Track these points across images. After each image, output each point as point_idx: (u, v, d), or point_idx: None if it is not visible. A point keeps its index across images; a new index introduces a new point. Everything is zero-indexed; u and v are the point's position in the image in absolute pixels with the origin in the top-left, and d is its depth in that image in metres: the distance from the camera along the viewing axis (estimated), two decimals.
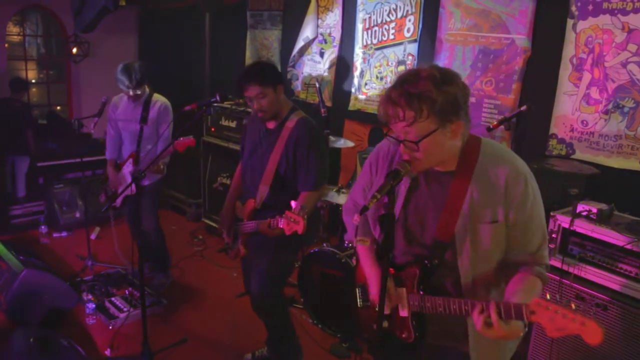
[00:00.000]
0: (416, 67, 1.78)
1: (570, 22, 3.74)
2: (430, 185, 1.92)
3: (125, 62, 4.24)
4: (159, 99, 4.38)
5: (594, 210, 3.04)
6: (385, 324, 2.01)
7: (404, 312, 1.97)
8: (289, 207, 2.77)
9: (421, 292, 1.93)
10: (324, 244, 4.04)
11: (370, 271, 2.12)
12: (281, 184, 3.14)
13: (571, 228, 3.05)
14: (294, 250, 3.41)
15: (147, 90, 4.39)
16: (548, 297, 1.59)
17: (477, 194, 1.83)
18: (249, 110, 5.40)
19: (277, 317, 3.43)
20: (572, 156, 3.79)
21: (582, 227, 3.03)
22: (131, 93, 4.21)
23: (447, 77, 1.72)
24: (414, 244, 1.98)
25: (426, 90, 1.68)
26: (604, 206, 3.07)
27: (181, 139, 3.75)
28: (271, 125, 3.20)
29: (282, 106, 3.17)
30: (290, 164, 3.11)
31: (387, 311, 1.95)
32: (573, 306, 1.56)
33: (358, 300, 2.26)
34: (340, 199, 4.32)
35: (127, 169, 4.42)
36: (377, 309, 1.90)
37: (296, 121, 3.13)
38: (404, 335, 1.99)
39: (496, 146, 1.92)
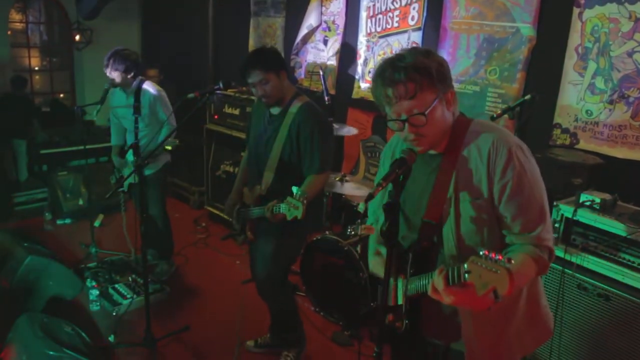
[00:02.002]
0: (393, 54, 1.77)
1: (576, 10, 3.72)
2: (423, 168, 1.91)
3: (115, 48, 4.27)
4: (148, 89, 4.34)
5: (598, 200, 3.03)
6: (391, 316, 1.96)
7: (396, 301, 1.93)
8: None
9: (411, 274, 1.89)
10: (327, 232, 4.05)
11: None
12: (286, 170, 3.14)
13: (574, 218, 3.05)
14: (300, 235, 3.42)
15: (138, 79, 4.36)
16: (481, 252, 1.51)
17: (463, 172, 1.80)
18: (253, 98, 5.38)
19: (282, 302, 3.46)
20: (576, 146, 3.78)
21: (585, 217, 3.03)
22: (107, 74, 4.23)
23: (428, 50, 1.77)
24: (412, 228, 1.97)
25: (417, 61, 1.69)
26: (607, 196, 3.07)
27: None
28: (275, 111, 3.20)
29: (286, 92, 3.16)
30: (295, 149, 3.11)
31: (392, 302, 1.92)
32: (494, 255, 1.43)
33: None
34: (344, 187, 4.31)
35: (131, 157, 4.43)
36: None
37: (299, 106, 3.13)
38: (397, 324, 1.93)
39: (485, 123, 1.88)
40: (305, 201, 2.67)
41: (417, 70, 1.68)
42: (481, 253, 1.46)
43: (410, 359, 2.17)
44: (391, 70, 1.70)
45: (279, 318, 3.59)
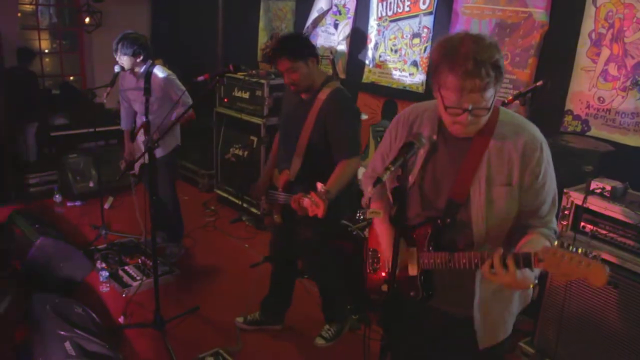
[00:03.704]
0: (469, 35, 1.79)
1: None
2: (450, 150, 1.98)
3: (124, 32, 4.27)
4: (157, 73, 4.33)
5: (608, 188, 3.02)
6: (394, 285, 2.06)
7: (413, 271, 2.03)
8: (323, 180, 2.81)
9: (431, 249, 1.99)
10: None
11: (383, 232, 2.18)
12: (314, 156, 3.15)
13: (584, 205, 3.04)
14: (336, 220, 3.48)
15: (148, 63, 4.35)
16: (556, 243, 1.65)
17: (494, 158, 1.90)
18: (262, 81, 5.38)
19: (331, 280, 3.59)
20: (588, 133, 3.75)
21: (596, 204, 3.02)
22: (117, 58, 4.23)
23: (498, 45, 1.80)
24: (428, 206, 2.03)
25: (497, 58, 1.74)
26: (618, 184, 3.05)
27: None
28: (305, 95, 3.20)
29: (316, 78, 3.16)
30: (323, 135, 3.11)
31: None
32: (580, 251, 1.60)
33: (368, 264, 2.30)
34: None
35: (141, 138, 4.45)
36: (387, 271, 2.01)
37: (329, 92, 3.13)
38: (412, 294, 2.04)
39: (514, 115, 2.00)
40: (326, 199, 2.69)
41: (495, 69, 1.74)
42: (555, 244, 1.65)
43: (416, 331, 2.24)
44: (474, 63, 1.70)
45: (327, 294, 3.67)
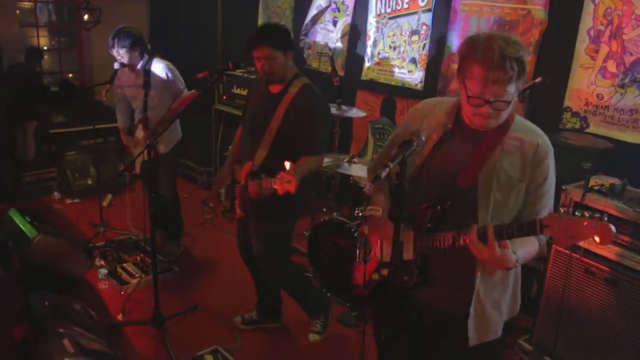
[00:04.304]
0: (497, 32, 1.89)
1: None
2: (464, 140, 2.01)
3: (117, 27, 4.25)
4: (157, 64, 4.34)
5: (607, 184, 3.02)
6: (385, 272, 2.10)
7: (408, 255, 2.04)
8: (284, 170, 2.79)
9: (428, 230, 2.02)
10: (335, 214, 4.05)
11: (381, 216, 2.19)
12: (280, 148, 3.13)
13: (583, 202, 3.04)
14: (290, 213, 3.39)
15: (145, 58, 4.35)
16: (562, 210, 1.68)
17: (507, 152, 1.95)
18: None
19: (290, 279, 3.56)
20: (586, 130, 3.75)
21: (594, 201, 3.01)
22: (114, 54, 4.21)
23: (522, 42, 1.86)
24: (433, 190, 2.06)
25: (523, 54, 1.80)
26: (616, 181, 3.05)
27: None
28: (275, 89, 3.20)
29: (289, 71, 3.17)
30: (291, 130, 3.11)
31: (387, 259, 2.05)
32: (586, 214, 1.66)
33: (359, 254, 2.30)
34: (352, 169, 4.30)
35: (140, 134, 4.43)
36: (378, 259, 2.09)
37: (300, 87, 3.14)
38: (405, 278, 2.05)
39: (527, 120, 2.07)
40: (297, 176, 2.68)
41: (519, 64, 1.78)
42: (562, 211, 1.70)
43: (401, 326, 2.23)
44: (500, 56, 1.75)
45: (293, 294, 3.65)
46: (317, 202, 4.81)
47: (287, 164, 2.72)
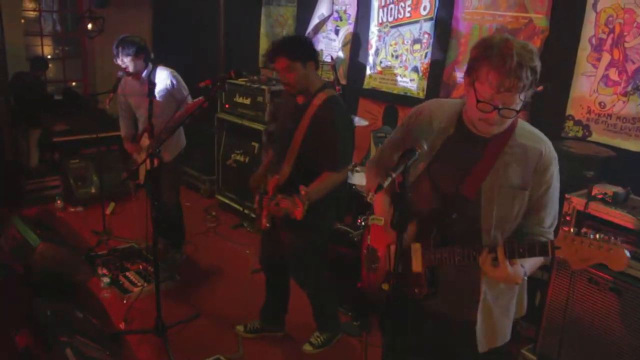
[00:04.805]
0: (513, 37, 1.84)
1: (590, 1, 3.67)
2: (466, 145, 1.99)
3: (120, 37, 4.27)
4: (161, 71, 4.36)
5: (610, 193, 3.01)
6: (392, 282, 2.07)
7: (417, 267, 2.03)
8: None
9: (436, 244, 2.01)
10: (337, 223, 4.05)
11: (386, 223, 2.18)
12: (304, 163, 3.13)
13: (586, 211, 3.03)
14: (321, 227, 3.37)
15: (149, 66, 4.37)
16: (572, 230, 1.71)
17: (511, 160, 1.93)
18: (264, 87, 5.39)
19: (320, 289, 3.55)
20: (589, 138, 3.74)
21: (598, 210, 3.01)
22: (119, 63, 4.23)
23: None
24: (436, 197, 2.04)
25: (537, 64, 1.79)
26: (619, 189, 3.04)
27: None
28: (300, 100, 3.19)
29: (312, 82, 3.14)
30: (314, 143, 3.08)
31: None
32: (598, 236, 1.66)
33: (366, 263, 2.30)
34: (354, 178, 4.31)
35: (146, 142, 4.44)
36: (386, 269, 2.07)
37: (324, 99, 3.10)
38: (415, 291, 2.04)
39: (530, 125, 2.05)
40: (307, 202, 2.69)
41: (533, 74, 1.77)
42: (572, 231, 1.70)
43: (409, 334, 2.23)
44: (518, 64, 1.73)
45: (315, 302, 3.64)
46: None
47: (302, 189, 2.73)
